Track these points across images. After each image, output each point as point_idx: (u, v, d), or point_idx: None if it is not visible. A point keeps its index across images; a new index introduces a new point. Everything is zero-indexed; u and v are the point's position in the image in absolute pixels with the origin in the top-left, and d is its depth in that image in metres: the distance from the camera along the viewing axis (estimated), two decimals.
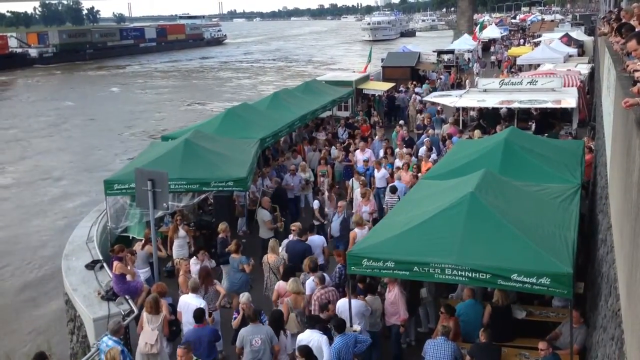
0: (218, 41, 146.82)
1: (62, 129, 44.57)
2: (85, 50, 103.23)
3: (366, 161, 17.17)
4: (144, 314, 9.21)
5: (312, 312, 9.28)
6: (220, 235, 12.17)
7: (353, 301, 9.21)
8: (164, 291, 9.78)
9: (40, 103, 57.44)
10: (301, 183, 16.10)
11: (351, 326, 8.77)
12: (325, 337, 8.37)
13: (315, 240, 11.97)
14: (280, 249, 11.45)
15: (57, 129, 44.86)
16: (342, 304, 9.29)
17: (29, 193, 29.11)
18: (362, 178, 15.58)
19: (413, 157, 17.23)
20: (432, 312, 10.43)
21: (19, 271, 19.93)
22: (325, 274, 9.98)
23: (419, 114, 25.57)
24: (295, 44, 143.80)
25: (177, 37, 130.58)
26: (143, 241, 12.00)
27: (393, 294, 9.44)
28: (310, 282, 9.83)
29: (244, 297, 9.20)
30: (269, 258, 11.00)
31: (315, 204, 14.43)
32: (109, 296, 10.72)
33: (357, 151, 18.24)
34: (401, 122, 23.78)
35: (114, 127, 44.28)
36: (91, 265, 12.13)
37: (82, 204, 24.99)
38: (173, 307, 9.91)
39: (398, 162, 16.58)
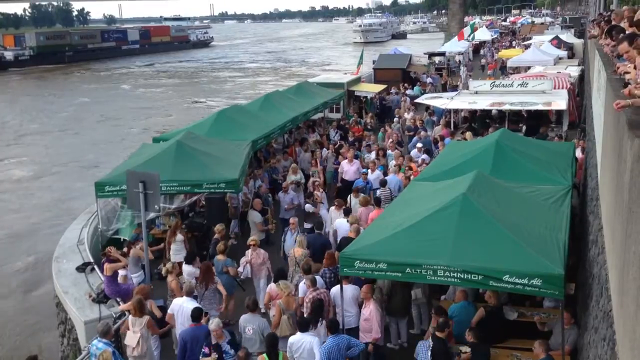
0: (204, 43, 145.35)
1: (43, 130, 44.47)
2: (64, 53, 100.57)
3: (365, 174, 15.68)
4: (129, 317, 9.15)
5: (305, 315, 9.27)
6: (215, 236, 12.14)
7: (348, 286, 9.33)
8: (146, 293, 9.68)
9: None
10: (293, 202, 15.01)
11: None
12: (316, 339, 8.36)
13: (344, 225, 12.24)
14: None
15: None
16: (336, 290, 9.40)
17: (33, 189, 29.30)
18: (362, 195, 14.36)
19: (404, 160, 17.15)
20: (425, 313, 10.42)
21: (10, 273, 19.81)
22: (317, 277, 9.97)
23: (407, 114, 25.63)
24: (289, 45, 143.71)
25: (161, 39, 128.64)
26: (127, 247, 11.91)
27: (368, 310, 9.24)
28: (303, 284, 9.83)
29: (214, 323, 8.50)
30: (296, 252, 11.14)
31: (308, 207, 14.39)
32: (100, 299, 10.68)
33: (345, 162, 17.13)
34: (396, 118, 23.96)
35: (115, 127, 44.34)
36: (82, 268, 12.09)
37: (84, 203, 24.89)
38: (164, 309, 9.85)
39: (392, 163, 16.60)
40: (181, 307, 9.38)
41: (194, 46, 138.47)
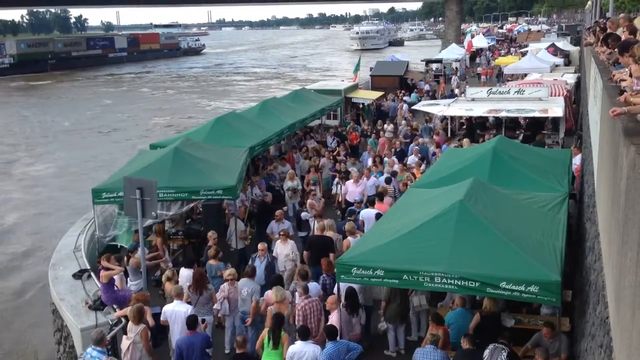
0: (195, 51, 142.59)
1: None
2: (47, 61, 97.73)
3: (360, 202, 14.37)
4: (129, 323, 9.13)
5: (296, 322, 9.25)
6: (209, 244, 12.14)
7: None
8: (145, 300, 9.65)
9: None
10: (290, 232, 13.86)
11: None
12: (319, 347, 8.37)
13: (371, 213, 12.75)
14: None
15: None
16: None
17: (48, 187, 29.51)
18: (349, 221, 12.68)
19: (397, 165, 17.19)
20: (425, 320, 10.35)
21: (9, 274, 19.74)
22: (314, 284, 9.96)
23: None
24: (289, 52, 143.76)
25: (150, 47, 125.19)
26: (126, 257, 11.90)
27: (330, 320, 9.22)
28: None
29: None
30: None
31: (304, 215, 14.32)
32: (97, 306, 10.63)
33: (350, 182, 15.69)
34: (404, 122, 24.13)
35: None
36: (78, 275, 12.04)
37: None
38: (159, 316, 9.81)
39: (388, 170, 16.60)
40: (173, 311, 9.38)
41: (184, 54, 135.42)
